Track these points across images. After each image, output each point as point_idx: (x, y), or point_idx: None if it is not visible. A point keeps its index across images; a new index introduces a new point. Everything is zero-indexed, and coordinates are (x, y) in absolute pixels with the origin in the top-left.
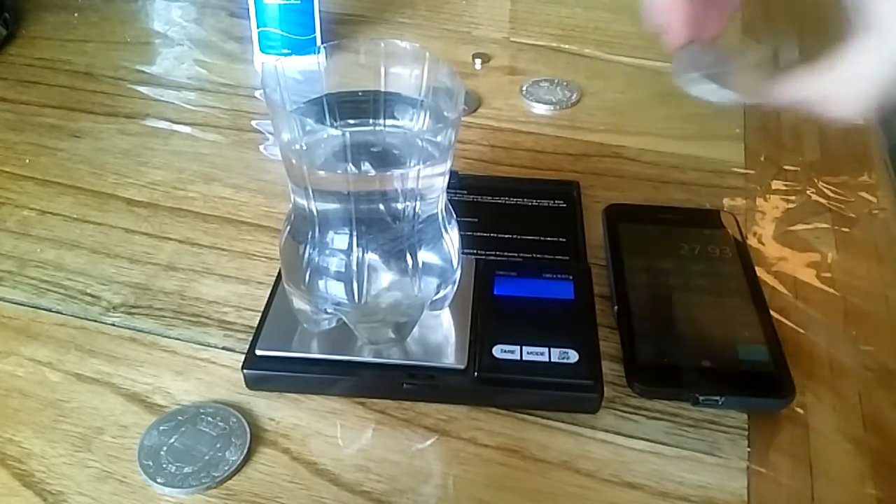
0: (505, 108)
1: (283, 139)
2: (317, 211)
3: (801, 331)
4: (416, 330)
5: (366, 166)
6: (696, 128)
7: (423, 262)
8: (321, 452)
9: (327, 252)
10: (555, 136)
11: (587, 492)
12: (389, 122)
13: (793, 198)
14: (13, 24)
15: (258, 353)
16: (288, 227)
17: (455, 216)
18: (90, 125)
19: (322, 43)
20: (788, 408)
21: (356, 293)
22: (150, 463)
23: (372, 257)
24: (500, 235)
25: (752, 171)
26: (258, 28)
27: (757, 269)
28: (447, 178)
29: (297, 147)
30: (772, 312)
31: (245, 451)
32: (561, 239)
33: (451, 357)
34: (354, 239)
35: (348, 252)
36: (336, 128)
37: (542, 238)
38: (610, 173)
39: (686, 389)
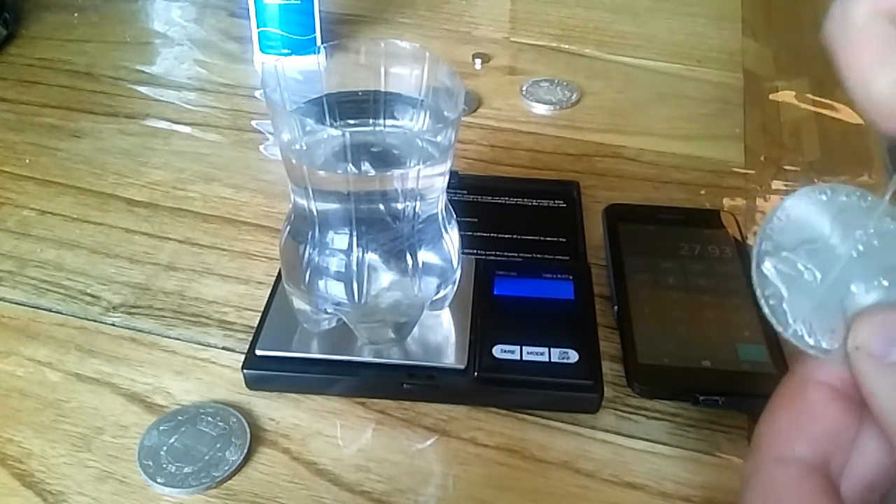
0: (505, 108)
1: (283, 139)
2: (317, 211)
3: None
4: (416, 330)
5: (366, 166)
6: (696, 128)
7: (423, 262)
8: (321, 452)
9: (327, 252)
10: (555, 136)
11: (587, 492)
12: (389, 122)
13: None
14: (13, 24)
15: (258, 353)
16: (288, 227)
17: (455, 216)
18: (90, 125)
19: (322, 43)
20: None
21: (356, 293)
22: (150, 463)
23: (372, 257)
24: (500, 235)
25: (752, 171)
26: (258, 28)
27: None
28: (447, 178)
29: (297, 147)
30: None
31: (245, 451)
32: (561, 239)
33: (451, 357)
34: (354, 239)
35: (348, 252)
36: (336, 128)
37: (542, 238)
38: (610, 173)
39: (686, 389)
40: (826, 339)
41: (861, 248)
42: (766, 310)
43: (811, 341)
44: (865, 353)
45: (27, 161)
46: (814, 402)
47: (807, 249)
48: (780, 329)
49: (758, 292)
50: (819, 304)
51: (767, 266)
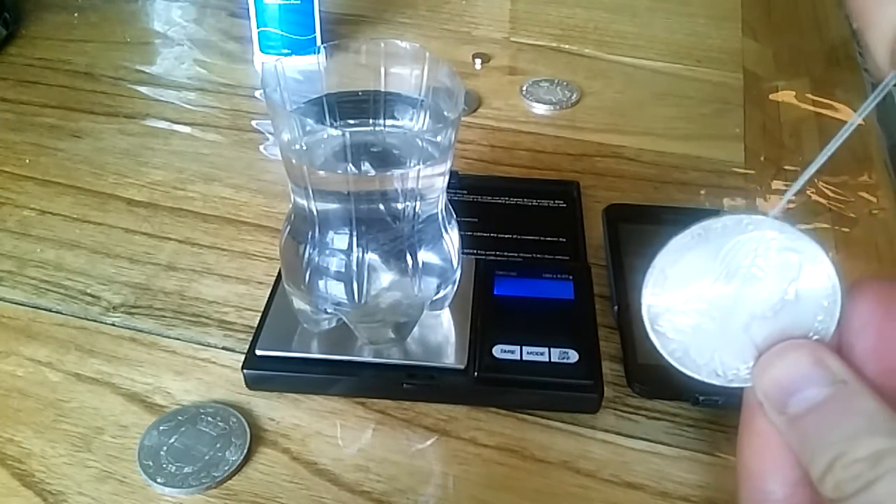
0: (505, 108)
1: (283, 139)
2: (317, 211)
3: None
4: (416, 330)
5: (366, 166)
6: (696, 128)
7: (423, 262)
8: (321, 452)
9: (327, 252)
10: (555, 136)
11: (587, 492)
12: (389, 122)
13: (793, 198)
14: (13, 24)
15: (258, 353)
16: (288, 227)
17: (455, 216)
18: (90, 125)
19: (322, 43)
20: None
21: (356, 293)
22: (150, 463)
23: (372, 257)
24: (500, 235)
25: (752, 171)
26: (258, 28)
27: None
28: (447, 178)
29: (297, 147)
30: None
31: (245, 451)
32: (561, 239)
33: (451, 357)
34: (354, 239)
35: (348, 252)
36: (336, 128)
37: (542, 238)
38: (610, 173)
39: (686, 389)
40: (742, 370)
41: (752, 273)
42: (672, 363)
43: (728, 377)
44: (768, 405)
45: (27, 161)
46: (768, 431)
47: (697, 297)
48: (693, 375)
49: (659, 349)
50: (724, 341)
51: (662, 325)
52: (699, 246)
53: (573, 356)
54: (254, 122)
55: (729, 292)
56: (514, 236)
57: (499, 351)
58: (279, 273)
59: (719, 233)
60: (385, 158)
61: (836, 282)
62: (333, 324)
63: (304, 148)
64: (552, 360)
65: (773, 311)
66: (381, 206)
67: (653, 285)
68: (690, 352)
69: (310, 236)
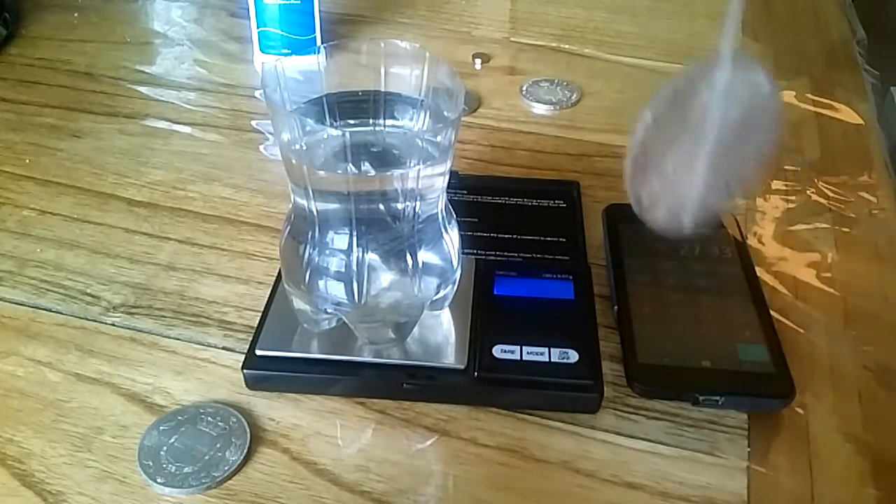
0: (505, 108)
1: (283, 139)
2: (317, 211)
3: (801, 331)
4: (416, 330)
5: (366, 166)
6: None
7: (423, 262)
8: (321, 452)
9: (327, 252)
10: (555, 136)
11: (587, 492)
12: (389, 122)
13: (793, 198)
14: (13, 24)
15: (258, 353)
16: (288, 227)
17: (455, 216)
18: (90, 125)
19: (322, 43)
20: (788, 408)
21: (356, 293)
22: (150, 463)
23: (372, 257)
24: (500, 235)
25: None
26: (258, 28)
27: (757, 269)
28: (447, 178)
29: (297, 147)
30: (772, 312)
31: (245, 451)
32: (561, 239)
33: (451, 357)
34: (354, 239)
35: (348, 252)
36: (336, 128)
37: (542, 238)
38: (610, 173)
39: (686, 389)
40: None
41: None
42: (641, 212)
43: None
44: None
45: (27, 161)
46: None
47: (670, 154)
48: (660, 223)
49: (630, 194)
50: (697, 182)
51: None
52: (672, 112)
53: (573, 356)
54: (254, 122)
55: (694, 143)
56: (514, 236)
57: (499, 351)
58: (279, 273)
59: (688, 94)
60: (385, 158)
61: (777, 101)
62: (333, 324)
63: (304, 148)
64: (552, 360)
65: (733, 141)
66: (381, 206)
67: (634, 142)
68: (663, 198)
69: (310, 236)
